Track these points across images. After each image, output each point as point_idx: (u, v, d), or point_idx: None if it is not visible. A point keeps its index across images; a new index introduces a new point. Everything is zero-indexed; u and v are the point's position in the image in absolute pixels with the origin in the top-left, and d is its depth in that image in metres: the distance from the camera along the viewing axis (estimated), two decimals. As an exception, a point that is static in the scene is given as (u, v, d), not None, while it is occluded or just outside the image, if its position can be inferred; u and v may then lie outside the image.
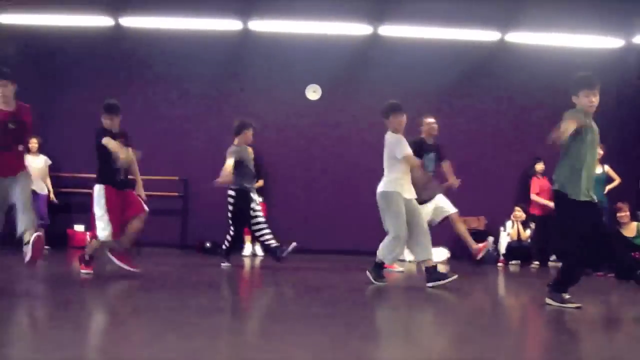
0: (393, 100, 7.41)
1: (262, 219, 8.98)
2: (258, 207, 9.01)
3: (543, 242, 11.02)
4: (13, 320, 4.59)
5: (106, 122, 7.16)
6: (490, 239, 9.36)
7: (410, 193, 7.31)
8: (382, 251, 7.26)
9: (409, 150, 7.21)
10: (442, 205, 8.81)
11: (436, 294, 6.85)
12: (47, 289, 6.45)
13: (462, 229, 9.06)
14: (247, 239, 11.13)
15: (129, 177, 7.38)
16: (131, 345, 3.89)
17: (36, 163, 10.16)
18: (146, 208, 7.24)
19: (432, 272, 7.18)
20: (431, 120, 8.99)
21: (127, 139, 7.34)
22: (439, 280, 7.07)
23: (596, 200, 5.86)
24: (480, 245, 8.99)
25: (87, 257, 7.17)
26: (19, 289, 6.27)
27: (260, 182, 11.42)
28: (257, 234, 9.00)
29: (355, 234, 11.84)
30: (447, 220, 8.90)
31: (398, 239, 7.15)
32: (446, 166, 9.02)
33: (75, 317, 4.73)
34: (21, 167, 6.27)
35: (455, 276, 7.13)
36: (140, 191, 7.43)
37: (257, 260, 10.42)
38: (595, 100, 5.81)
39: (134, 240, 7.46)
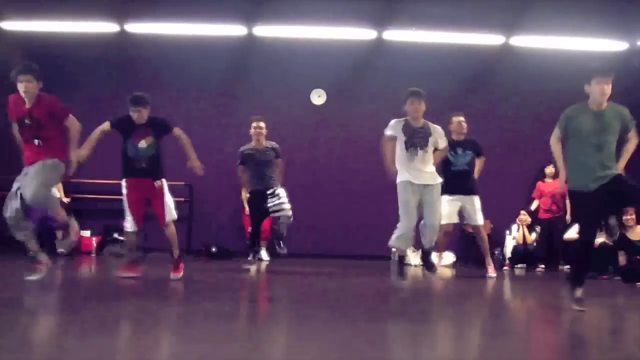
0: (413, 88, 7.61)
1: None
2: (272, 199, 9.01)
3: (549, 245, 11.01)
4: (22, 328, 4.60)
5: (132, 114, 7.44)
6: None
7: (418, 178, 7.40)
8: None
9: (386, 134, 7.52)
10: (470, 212, 9.07)
11: (442, 297, 6.85)
12: (56, 296, 6.46)
13: (484, 241, 9.23)
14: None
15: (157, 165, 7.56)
16: (140, 350, 3.90)
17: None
18: (168, 218, 7.47)
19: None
20: (459, 118, 9.30)
21: (157, 129, 7.54)
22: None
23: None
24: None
25: (127, 260, 7.48)
26: (26, 297, 6.28)
27: None
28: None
29: (362, 239, 11.85)
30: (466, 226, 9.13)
31: (401, 225, 7.37)
32: (479, 162, 9.28)
33: (81, 323, 4.74)
34: (41, 157, 6.35)
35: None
36: (194, 163, 7.67)
37: (263, 265, 10.41)
38: (607, 89, 5.84)
39: (174, 245, 7.67)
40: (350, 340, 4.37)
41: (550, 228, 11.01)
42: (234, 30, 11.49)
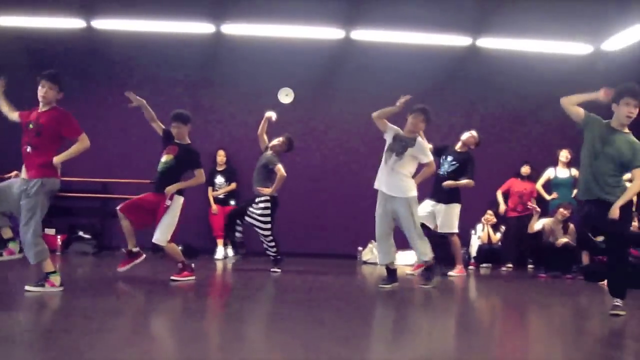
0: (422, 105, 7.91)
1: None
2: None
3: (516, 244, 11.13)
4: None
5: (172, 129, 7.64)
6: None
7: (387, 187, 7.58)
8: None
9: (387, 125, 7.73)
10: (443, 219, 9.38)
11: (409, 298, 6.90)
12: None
13: (455, 247, 9.62)
14: (220, 242, 11.13)
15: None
16: (126, 348, 3.89)
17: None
18: (156, 237, 7.48)
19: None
20: (472, 133, 9.71)
21: (181, 150, 7.61)
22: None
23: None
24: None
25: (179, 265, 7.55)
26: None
27: (233, 185, 11.45)
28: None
29: (332, 237, 11.87)
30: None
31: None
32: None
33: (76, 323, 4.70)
34: (32, 171, 6.04)
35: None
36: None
37: (230, 264, 10.39)
38: (635, 111, 5.81)
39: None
40: (331, 336, 4.39)
41: (517, 227, 11.11)
42: (202, 28, 11.43)
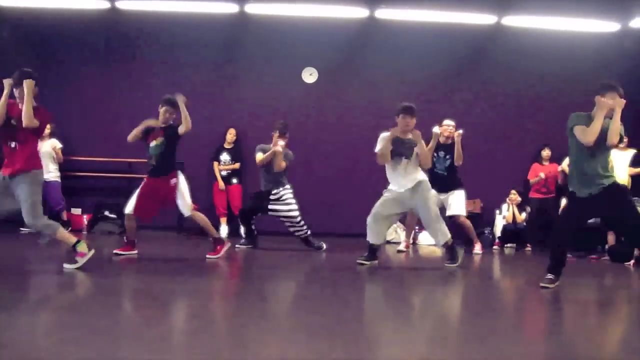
0: (406, 103, 7.74)
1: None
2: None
3: (539, 226, 11.06)
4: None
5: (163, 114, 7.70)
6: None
7: (401, 186, 7.64)
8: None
9: (377, 148, 7.65)
10: (450, 205, 9.45)
11: (438, 276, 6.90)
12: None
13: (467, 228, 9.72)
14: (223, 220, 11.19)
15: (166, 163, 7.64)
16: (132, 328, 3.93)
17: (44, 147, 10.03)
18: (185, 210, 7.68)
19: None
20: (449, 123, 9.66)
21: (165, 129, 7.64)
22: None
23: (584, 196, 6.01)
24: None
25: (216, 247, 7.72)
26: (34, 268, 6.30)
27: (237, 165, 11.46)
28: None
29: (355, 217, 11.85)
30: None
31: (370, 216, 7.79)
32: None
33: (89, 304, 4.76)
34: (18, 165, 6.11)
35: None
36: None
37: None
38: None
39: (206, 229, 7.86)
40: (340, 316, 4.41)
41: (541, 208, 11.07)
42: (225, 7, 11.43)
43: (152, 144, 7.65)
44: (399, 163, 7.58)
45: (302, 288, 6.38)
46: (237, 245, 9.13)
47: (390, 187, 7.77)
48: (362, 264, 7.56)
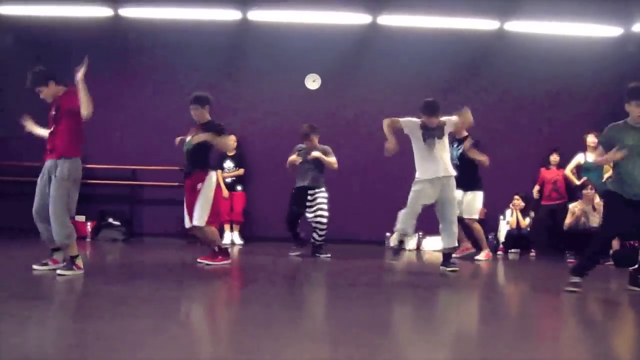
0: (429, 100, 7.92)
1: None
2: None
3: (549, 232, 11.06)
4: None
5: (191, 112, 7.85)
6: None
7: (436, 172, 7.77)
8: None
9: (400, 119, 7.90)
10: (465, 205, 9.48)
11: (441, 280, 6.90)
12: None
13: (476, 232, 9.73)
14: (227, 227, 11.19)
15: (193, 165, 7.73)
16: (138, 334, 3.94)
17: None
18: (193, 221, 7.64)
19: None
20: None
21: (202, 126, 7.72)
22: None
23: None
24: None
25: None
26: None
27: (241, 171, 11.46)
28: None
29: (360, 224, 11.85)
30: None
31: (404, 213, 7.94)
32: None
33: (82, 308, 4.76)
34: (59, 149, 6.46)
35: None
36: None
37: (236, 249, 10.47)
38: None
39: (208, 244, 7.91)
40: (344, 321, 4.41)
41: (551, 215, 11.01)
42: (228, 14, 11.46)
43: (187, 138, 7.78)
44: (432, 145, 7.73)
45: (306, 294, 6.39)
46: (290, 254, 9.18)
47: (424, 176, 7.80)
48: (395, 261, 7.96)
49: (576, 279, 6.15)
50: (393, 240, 8.17)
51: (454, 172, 7.87)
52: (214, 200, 7.64)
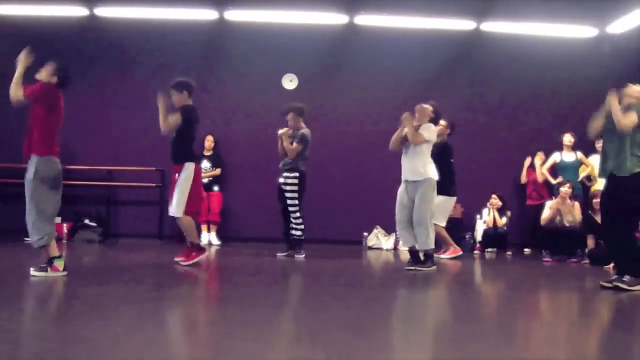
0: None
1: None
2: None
3: (532, 232, 11.17)
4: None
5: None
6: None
7: (406, 175, 7.99)
8: None
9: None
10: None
11: (419, 278, 6.91)
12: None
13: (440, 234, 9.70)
14: (204, 228, 11.14)
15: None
16: (115, 336, 3.91)
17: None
18: (170, 210, 7.79)
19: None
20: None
21: (180, 111, 7.83)
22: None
23: None
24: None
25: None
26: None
27: (218, 171, 11.41)
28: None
29: (337, 224, 11.85)
30: None
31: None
32: None
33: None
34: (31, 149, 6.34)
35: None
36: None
37: (214, 250, 10.43)
38: None
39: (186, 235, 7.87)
40: (324, 323, 4.40)
41: (535, 215, 11.07)
42: (205, 14, 11.42)
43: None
44: (407, 149, 7.96)
45: (284, 294, 6.37)
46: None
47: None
48: (410, 270, 7.80)
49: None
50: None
51: (422, 177, 7.87)
52: (193, 192, 7.64)
